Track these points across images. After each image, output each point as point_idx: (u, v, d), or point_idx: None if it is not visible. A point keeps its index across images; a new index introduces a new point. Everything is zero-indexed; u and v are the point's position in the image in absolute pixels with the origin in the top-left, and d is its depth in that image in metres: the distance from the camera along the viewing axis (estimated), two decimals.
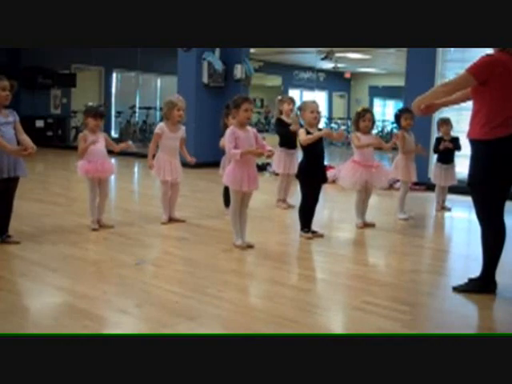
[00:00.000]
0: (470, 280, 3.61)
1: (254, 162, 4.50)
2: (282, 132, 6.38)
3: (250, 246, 4.52)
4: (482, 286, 3.54)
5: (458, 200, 6.90)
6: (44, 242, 4.54)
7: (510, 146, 3.34)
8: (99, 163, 4.91)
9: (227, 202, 5.97)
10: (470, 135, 3.48)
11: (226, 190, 5.88)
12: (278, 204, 6.52)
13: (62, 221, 5.38)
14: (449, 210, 6.63)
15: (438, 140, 6.49)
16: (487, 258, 3.52)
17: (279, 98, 6.67)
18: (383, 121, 18.35)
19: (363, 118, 5.35)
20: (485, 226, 3.51)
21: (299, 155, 5.39)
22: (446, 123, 6.42)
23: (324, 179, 5.00)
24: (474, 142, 3.46)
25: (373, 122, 5.43)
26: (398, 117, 5.93)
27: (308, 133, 4.79)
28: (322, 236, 4.96)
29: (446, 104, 3.92)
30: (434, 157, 6.77)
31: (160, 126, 5.28)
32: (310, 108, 4.86)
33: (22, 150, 4.19)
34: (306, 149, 4.84)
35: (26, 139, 4.33)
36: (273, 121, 18.57)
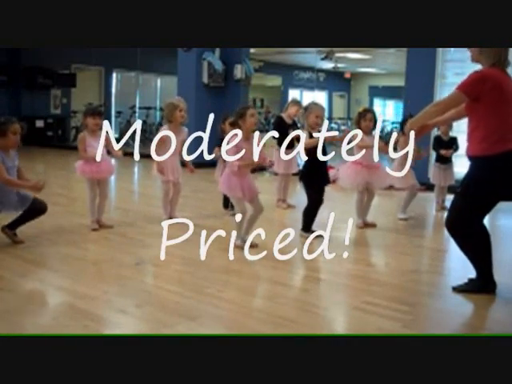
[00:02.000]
0: (470, 280, 3.61)
1: (248, 173, 4.50)
2: (280, 131, 6.38)
3: (253, 246, 4.53)
4: (482, 285, 3.54)
5: None
6: (44, 242, 4.54)
7: (508, 161, 3.32)
8: (96, 164, 4.89)
9: (226, 204, 5.98)
10: (469, 152, 3.46)
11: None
12: (278, 204, 6.53)
13: (62, 221, 5.38)
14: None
15: (437, 139, 6.47)
16: (480, 261, 3.51)
17: (293, 100, 6.67)
18: (383, 121, 18.35)
19: (364, 118, 5.34)
20: (459, 235, 3.50)
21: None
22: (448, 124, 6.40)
23: (327, 181, 5.00)
24: (473, 159, 3.45)
25: (374, 121, 5.42)
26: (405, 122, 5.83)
27: (311, 135, 4.78)
28: (322, 236, 4.96)
29: (439, 123, 3.90)
30: (433, 157, 6.77)
31: (164, 129, 5.26)
32: (316, 112, 4.83)
33: (36, 184, 4.35)
34: (307, 152, 4.84)
35: (30, 180, 4.47)
36: (272, 120, 18.62)
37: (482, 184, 3.38)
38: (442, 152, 6.35)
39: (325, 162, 4.95)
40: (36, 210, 4.44)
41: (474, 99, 3.33)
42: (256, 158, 4.39)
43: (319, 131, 4.87)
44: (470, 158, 3.46)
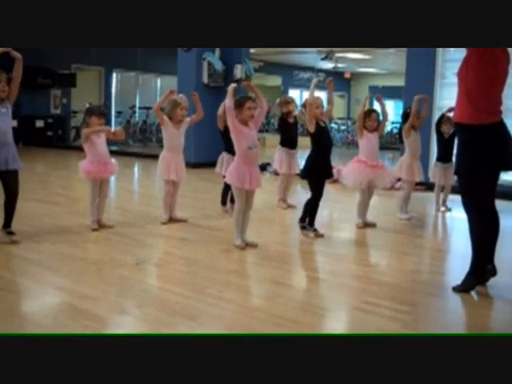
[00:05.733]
0: (465, 279, 3.59)
1: (257, 161, 4.52)
2: (284, 131, 6.43)
3: (253, 246, 4.53)
4: (477, 278, 3.54)
5: (458, 200, 6.88)
6: (44, 242, 4.54)
7: (495, 133, 3.39)
8: (101, 164, 4.92)
9: (224, 201, 5.99)
10: (455, 118, 3.56)
11: (225, 189, 5.89)
12: (279, 204, 6.52)
13: (62, 221, 5.38)
14: (449, 210, 6.62)
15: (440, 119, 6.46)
16: (478, 248, 3.53)
17: (281, 99, 6.65)
18: (386, 124, 18.35)
19: (369, 118, 5.48)
20: (473, 214, 3.53)
21: (301, 155, 5.42)
22: (450, 121, 6.39)
23: (330, 174, 5.10)
24: (458, 126, 3.53)
25: (378, 121, 5.54)
26: (409, 114, 5.96)
27: (317, 124, 4.87)
28: (322, 236, 4.96)
29: None
30: (434, 156, 6.77)
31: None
32: (315, 104, 4.92)
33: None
34: (315, 140, 4.92)
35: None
36: (272, 120, 18.63)
37: (467, 156, 3.46)
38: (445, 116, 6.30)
39: (329, 155, 5.04)
40: (11, 193, 4.39)
41: (467, 55, 3.37)
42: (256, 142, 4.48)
43: (324, 122, 4.98)
44: (456, 124, 3.57)
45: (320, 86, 5.31)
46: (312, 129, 4.86)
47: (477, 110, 3.37)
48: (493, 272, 3.58)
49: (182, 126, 5.30)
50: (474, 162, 3.43)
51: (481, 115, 3.37)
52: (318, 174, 4.97)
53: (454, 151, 6.37)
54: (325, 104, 5.05)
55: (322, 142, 4.95)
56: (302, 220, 5.01)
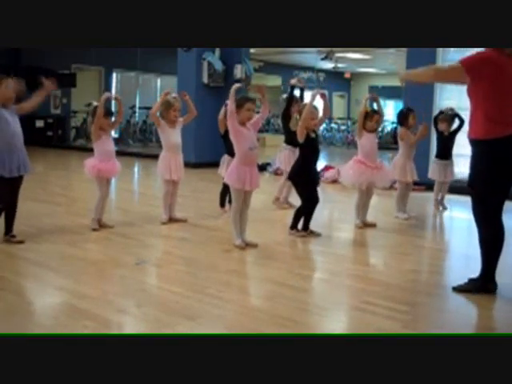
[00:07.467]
0: (470, 280, 3.61)
1: (256, 161, 4.52)
2: (287, 129, 6.42)
3: (253, 246, 4.53)
4: (482, 285, 3.54)
5: (458, 200, 6.90)
6: (44, 242, 4.53)
7: (509, 146, 3.35)
8: (110, 163, 4.96)
9: (223, 202, 5.98)
10: (469, 135, 3.50)
11: (224, 191, 5.88)
12: (278, 202, 6.49)
13: (62, 221, 5.38)
14: (445, 208, 6.60)
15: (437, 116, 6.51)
16: (486, 258, 3.52)
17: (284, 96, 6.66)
18: (383, 121, 18.35)
19: (370, 119, 5.44)
20: (484, 225, 3.51)
21: None
22: (446, 120, 6.38)
23: (317, 181, 5.10)
24: (474, 142, 3.47)
25: (378, 123, 5.55)
26: (405, 115, 5.97)
27: (307, 135, 4.82)
28: (319, 235, 4.97)
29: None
30: (433, 154, 6.76)
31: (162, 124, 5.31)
32: (312, 115, 4.87)
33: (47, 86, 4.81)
34: (302, 149, 4.90)
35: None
36: (272, 120, 18.61)
37: (483, 170, 3.41)
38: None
39: (315, 163, 5.06)
40: (15, 201, 4.42)
41: (472, 78, 3.34)
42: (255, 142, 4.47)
43: (314, 133, 4.97)
44: (471, 141, 3.49)
45: (320, 86, 5.28)
46: (301, 140, 4.83)
47: (490, 125, 3.31)
48: (493, 288, 3.57)
49: (177, 126, 5.32)
50: (490, 175, 3.39)
51: (497, 128, 3.31)
52: (303, 178, 4.93)
53: (454, 150, 6.44)
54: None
55: (310, 152, 4.92)
56: (292, 227, 5.00)
